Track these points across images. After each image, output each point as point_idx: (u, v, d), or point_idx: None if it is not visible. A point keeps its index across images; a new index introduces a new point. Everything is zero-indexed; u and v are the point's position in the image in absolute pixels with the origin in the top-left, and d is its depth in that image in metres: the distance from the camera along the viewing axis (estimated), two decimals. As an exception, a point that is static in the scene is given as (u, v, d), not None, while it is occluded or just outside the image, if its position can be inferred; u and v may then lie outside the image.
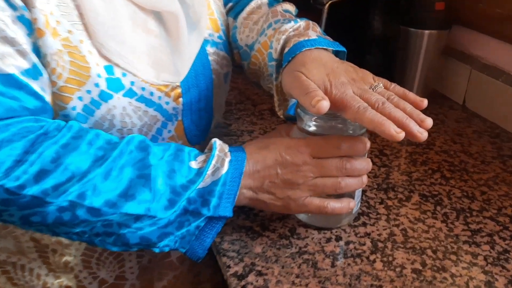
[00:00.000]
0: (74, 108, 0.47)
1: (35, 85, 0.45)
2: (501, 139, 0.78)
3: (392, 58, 0.90)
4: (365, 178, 0.53)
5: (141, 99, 0.51)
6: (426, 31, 0.82)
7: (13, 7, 0.43)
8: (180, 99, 0.55)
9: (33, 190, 0.40)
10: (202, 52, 0.57)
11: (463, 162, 0.72)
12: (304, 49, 0.53)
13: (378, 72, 0.96)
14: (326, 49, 0.55)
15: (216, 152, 0.48)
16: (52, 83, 0.46)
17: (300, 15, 0.70)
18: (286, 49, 0.55)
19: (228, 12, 0.71)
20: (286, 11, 0.66)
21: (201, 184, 0.46)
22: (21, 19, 0.43)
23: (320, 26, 0.88)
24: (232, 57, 0.72)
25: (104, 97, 0.48)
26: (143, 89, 0.50)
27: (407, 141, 0.78)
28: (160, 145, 0.48)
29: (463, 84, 0.89)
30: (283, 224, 0.59)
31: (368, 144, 0.51)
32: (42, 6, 0.43)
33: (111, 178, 0.43)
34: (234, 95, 0.95)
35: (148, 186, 0.44)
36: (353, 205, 0.53)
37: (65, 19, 0.45)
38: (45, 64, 0.45)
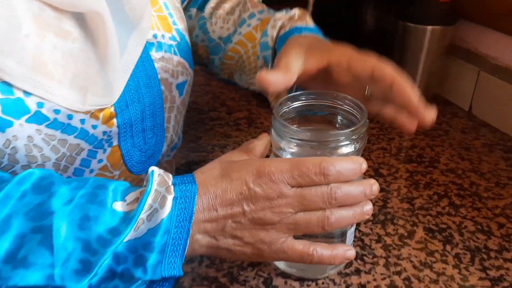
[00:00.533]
0: None
1: None
2: (516, 154, 0.67)
3: (388, 58, 0.78)
4: (367, 207, 0.38)
5: (55, 124, 0.37)
6: (429, 27, 0.70)
7: None
8: (114, 121, 0.41)
9: None
10: (144, 59, 0.44)
11: (474, 185, 0.60)
12: (303, 32, 0.48)
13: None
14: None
15: (154, 187, 0.35)
16: None
17: (281, 7, 0.59)
18: (282, 32, 0.50)
19: (188, 4, 0.60)
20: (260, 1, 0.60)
21: (132, 234, 0.33)
22: None
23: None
24: (198, 53, 0.62)
25: (1, 125, 0.34)
26: (56, 111, 0.36)
27: (406, 157, 0.66)
28: (71, 182, 0.35)
29: (469, 87, 0.78)
30: (256, 273, 0.47)
31: (364, 165, 0.38)
32: None
33: None
34: (207, 101, 0.83)
35: (48, 244, 0.31)
36: (351, 254, 0.40)
37: None
38: None
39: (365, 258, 0.49)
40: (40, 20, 0.35)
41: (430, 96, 0.77)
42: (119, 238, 0.32)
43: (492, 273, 0.47)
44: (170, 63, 0.47)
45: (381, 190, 0.59)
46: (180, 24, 0.50)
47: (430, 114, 0.42)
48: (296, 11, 0.54)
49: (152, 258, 0.33)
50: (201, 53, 0.62)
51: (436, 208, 0.56)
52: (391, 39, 0.76)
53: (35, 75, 0.34)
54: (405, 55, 0.73)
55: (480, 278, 0.46)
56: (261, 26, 0.55)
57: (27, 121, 0.35)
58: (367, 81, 0.44)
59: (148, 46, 0.44)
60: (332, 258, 0.39)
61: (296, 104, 0.43)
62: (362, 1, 0.78)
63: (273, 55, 0.53)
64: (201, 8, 0.61)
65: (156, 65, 0.45)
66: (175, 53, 0.48)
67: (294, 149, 0.39)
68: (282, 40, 0.50)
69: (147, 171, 0.37)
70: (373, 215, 0.55)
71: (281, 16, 0.54)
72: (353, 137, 0.39)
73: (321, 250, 0.39)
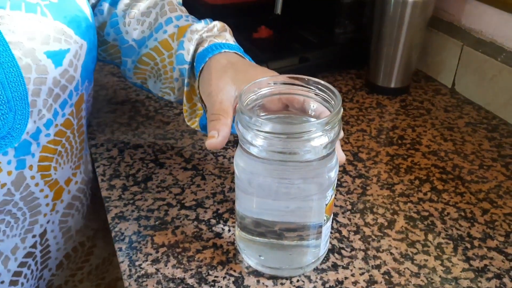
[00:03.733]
0: None
1: None
2: (500, 134, 0.64)
3: (367, 32, 0.74)
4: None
5: None
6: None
7: None
8: None
9: None
10: None
11: (457, 168, 0.58)
12: (223, 50, 0.47)
13: (350, 48, 0.80)
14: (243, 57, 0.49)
15: None
16: None
17: None
18: (200, 49, 0.48)
19: None
20: (180, 4, 0.56)
21: None
22: None
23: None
24: (109, 51, 0.58)
25: None
26: None
27: (387, 140, 0.63)
28: None
29: (453, 63, 0.74)
30: (226, 272, 0.43)
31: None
32: None
33: None
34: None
35: None
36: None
37: None
38: None
39: (342, 251, 0.46)
40: None
41: (412, 72, 0.74)
42: None
43: (476, 263, 0.44)
44: (26, 24, 0.40)
45: (361, 176, 0.56)
46: None
47: (342, 158, 0.42)
48: (216, 24, 0.52)
49: None
50: (112, 51, 0.58)
51: (417, 194, 0.53)
52: (370, 11, 0.72)
53: None
54: (384, 29, 0.69)
55: (464, 270, 0.44)
56: (178, 35, 0.51)
57: None
58: (297, 110, 0.41)
59: None
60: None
61: (264, 90, 0.39)
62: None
63: (190, 69, 0.50)
64: (113, 4, 0.56)
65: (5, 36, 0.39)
66: (43, 14, 0.42)
67: (261, 143, 0.35)
68: (201, 58, 0.48)
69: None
70: (351, 203, 0.52)
71: (199, 29, 0.50)
72: (327, 127, 0.35)
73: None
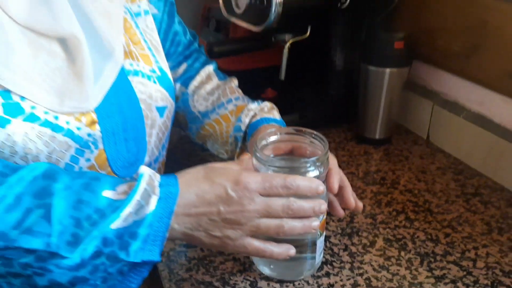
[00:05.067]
0: None
1: None
2: (464, 176, 0.79)
3: (355, 93, 0.90)
4: (315, 223, 0.49)
5: (46, 123, 0.48)
6: (387, 69, 0.82)
7: None
8: (97, 126, 0.52)
9: None
10: (123, 81, 0.55)
11: (427, 202, 0.71)
12: (270, 122, 0.61)
13: (342, 106, 0.96)
14: None
15: (143, 185, 0.43)
16: None
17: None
18: (253, 120, 0.65)
19: (176, 79, 0.73)
20: (237, 87, 0.73)
21: (119, 223, 0.42)
22: None
23: (281, 63, 0.88)
24: (177, 119, 0.74)
25: (1, 122, 0.45)
26: (46, 113, 0.48)
27: (371, 180, 0.77)
28: (73, 173, 0.45)
29: (426, 119, 0.90)
30: (244, 277, 0.56)
31: (321, 187, 0.48)
32: None
33: (4, 207, 0.40)
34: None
35: (48, 218, 0.41)
36: (292, 252, 0.50)
37: None
38: None
39: (333, 263, 0.59)
40: (35, 45, 0.47)
41: (392, 126, 0.89)
42: (105, 220, 0.42)
43: (437, 272, 0.57)
44: (148, 87, 0.58)
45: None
46: (162, 63, 0.62)
47: (359, 207, 0.58)
48: (266, 104, 0.69)
49: (135, 245, 0.43)
50: (180, 120, 0.75)
51: (394, 222, 0.67)
52: (356, 78, 0.88)
53: (23, 81, 0.46)
54: (369, 92, 0.85)
55: (427, 277, 0.57)
56: (237, 111, 0.68)
57: (24, 120, 0.46)
58: (297, 153, 0.57)
59: (126, 71, 0.56)
60: (278, 254, 0.49)
61: (273, 138, 0.54)
62: (330, 46, 0.90)
63: (244, 136, 0.66)
64: (185, 84, 0.73)
65: (135, 87, 0.56)
66: (154, 82, 0.60)
67: (271, 173, 0.50)
68: (253, 127, 0.65)
69: (132, 176, 0.47)
70: (341, 228, 0.65)
71: (254, 107, 0.67)
72: (317, 163, 0.49)
73: (272, 248, 0.49)
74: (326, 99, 0.96)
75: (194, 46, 0.76)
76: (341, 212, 0.59)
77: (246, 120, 0.66)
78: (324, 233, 0.56)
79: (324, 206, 0.49)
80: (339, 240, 0.63)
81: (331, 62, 0.91)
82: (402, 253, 0.60)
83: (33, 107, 0.47)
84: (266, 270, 0.56)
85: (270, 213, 0.47)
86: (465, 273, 0.57)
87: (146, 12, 0.63)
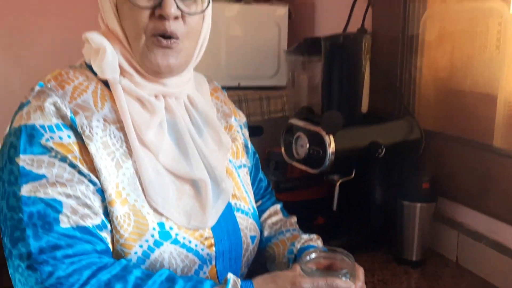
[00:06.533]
0: (136, 253, 0.68)
1: (102, 234, 0.67)
2: (490, 293, 0.95)
3: (393, 223, 1.11)
4: None
5: (183, 246, 0.71)
6: (418, 204, 1.04)
7: (93, 183, 0.68)
8: (213, 248, 0.74)
9: None
10: (232, 216, 0.80)
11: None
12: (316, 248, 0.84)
13: (382, 235, 1.16)
14: None
15: (229, 286, 0.67)
16: (120, 235, 0.68)
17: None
18: (303, 246, 0.86)
19: None
20: (295, 223, 0.96)
21: None
22: (99, 191, 0.68)
23: (333, 199, 1.11)
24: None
25: (157, 244, 0.69)
26: (184, 238, 0.72)
27: (412, 295, 0.94)
28: (184, 277, 0.67)
29: (454, 244, 1.08)
30: None
31: (352, 286, 0.69)
32: (110, 179, 0.68)
33: None
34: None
35: None
36: None
37: (130, 186, 0.70)
38: (115, 221, 0.68)
39: None
40: (176, 184, 0.73)
41: (426, 250, 1.08)
42: None
43: None
44: (245, 220, 0.81)
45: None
46: (253, 202, 0.87)
47: None
48: (314, 236, 0.89)
49: None
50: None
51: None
52: (393, 211, 1.10)
53: (169, 207, 0.71)
54: (404, 222, 1.06)
55: None
56: (292, 239, 0.88)
57: (171, 243, 0.70)
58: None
59: (233, 208, 0.80)
60: None
61: (313, 255, 0.75)
62: (371, 184, 1.14)
63: (294, 257, 0.85)
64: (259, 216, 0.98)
65: (238, 220, 0.80)
66: (249, 217, 0.84)
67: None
68: (301, 251, 0.83)
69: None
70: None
71: (305, 237, 0.87)
72: (347, 274, 0.70)
73: None
74: (368, 227, 1.17)
75: (268, 190, 1.02)
76: None
77: (298, 245, 0.85)
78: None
79: None
80: None
81: (372, 197, 1.14)
82: None
83: (176, 234, 0.71)
84: None
85: None
86: None
87: (245, 166, 0.91)
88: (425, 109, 1.22)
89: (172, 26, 0.70)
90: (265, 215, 0.96)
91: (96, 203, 0.67)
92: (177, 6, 0.70)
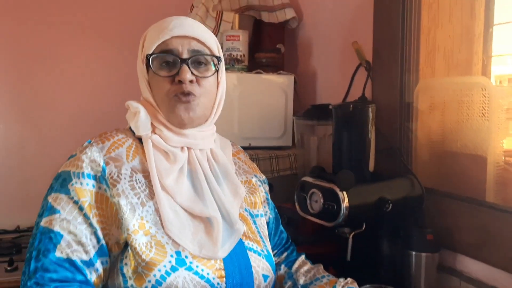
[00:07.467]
0: (154, 275, 0.79)
1: (86, 270, 0.82)
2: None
3: (400, 272, 1.21)
4: None
5: (196, 273, 0.82)
6: (423, 254, 1.16)
7: (93, 227, 0.83)
8: (224, 279, 0.84)
9: None
10: (243, 252, 0.90)
11: None
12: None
13: (390, 282, 1.26)
14: None
15: None
16: (142, 259, 0.79)
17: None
18: None
19: (281, 262, 1.08)
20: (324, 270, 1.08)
21: None
22: (96, 234, 0.83)
23: (347, 250, 1.22)
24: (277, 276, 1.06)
25: (173, 269, 0.80)
26: (197, 266, 0.82)
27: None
28: None
29: (456, 292, 1.19)
30: None
31: None
32: (135, 213, 0.83)
33: None
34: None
35: None
36: None
37: (152, 221, 0.83)
38: (137, 248, 0.80)
39: None
40: (193, 221, 0.85)
41: (432, 298, 1.18)
42: None
43: None
44: (259, 262, 0.91)
45: None
46: (268, 247, 0.97)
47: None
48: (349, 279, 1.01)
49: None
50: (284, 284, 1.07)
51: None
52: (400, 260, 1.21)
53: (184, 238, 0.83)
54: (411, 270, 1.17)
55: None
56: (330, 284, 1.01)
57: (185, 269, 0.80)
58: None
59: (246, 247, 0.90)
60: None
61: None
62: (379, 236, 1.25)
63: None
64: (288, 266, 1.08)
65: (250, 258, 0.89)
66: (262, 257, 0.93)
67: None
68: None
69: None
70: None
71: (343, 281, 1.00)
72: None
73: None
74: (377, 277, 1.26)
75: (289, 242, 1.12)
76: None
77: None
78: None
79: None
80: None
81: (380, 248, 1.25)
82: None
83: (191, 262, 0.82)
84: None
85: None
86: None
87: (262, 215, 1.03)
88: (422, 168, 1.37)
89: (189, 87, 0.89)
90: (296, 265, 1.07)
91: (91, 243, 0.82)
92: (192, 73, 0.89)
